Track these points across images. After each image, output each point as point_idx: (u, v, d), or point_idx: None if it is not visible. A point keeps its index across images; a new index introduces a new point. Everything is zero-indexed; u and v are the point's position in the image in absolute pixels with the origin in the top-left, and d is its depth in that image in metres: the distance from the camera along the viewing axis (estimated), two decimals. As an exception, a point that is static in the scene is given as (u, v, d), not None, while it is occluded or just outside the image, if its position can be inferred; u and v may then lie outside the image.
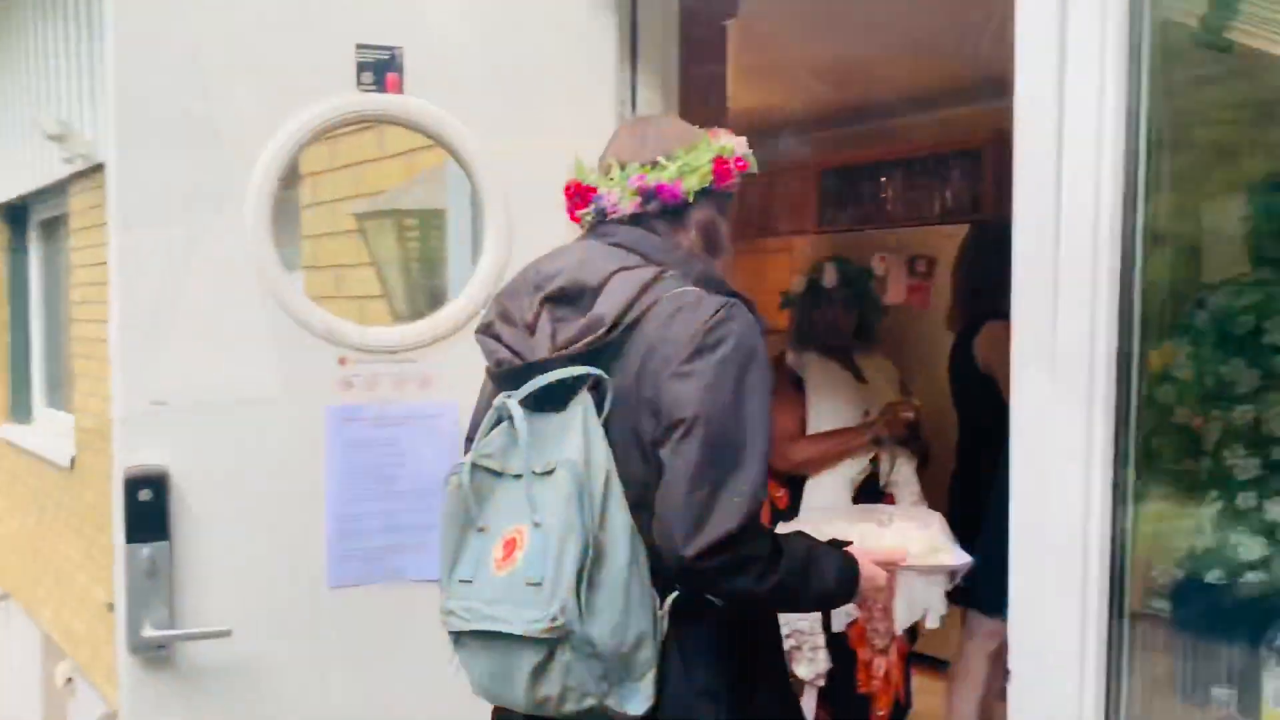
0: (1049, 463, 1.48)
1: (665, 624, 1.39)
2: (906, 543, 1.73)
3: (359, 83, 1.90)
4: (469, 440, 1.58)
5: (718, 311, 1.38)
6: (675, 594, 1.39)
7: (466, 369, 1.97)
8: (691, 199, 1.50)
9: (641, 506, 1.37)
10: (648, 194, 1.50)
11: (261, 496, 1.86)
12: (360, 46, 1.90)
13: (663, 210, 1.51)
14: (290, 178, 1.94)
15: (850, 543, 1.57)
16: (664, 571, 1.37)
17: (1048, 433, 1.47)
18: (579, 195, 1.56)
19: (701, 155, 1.51)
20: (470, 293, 1.99)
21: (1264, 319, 2.02)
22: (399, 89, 1.93)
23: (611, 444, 1.37)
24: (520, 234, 2.01)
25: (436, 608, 1.96)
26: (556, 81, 2.06)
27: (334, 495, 1.90)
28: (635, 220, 1.51)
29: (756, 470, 1.35)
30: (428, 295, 2.38)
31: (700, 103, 2.33)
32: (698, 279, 1.46)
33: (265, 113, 1.84)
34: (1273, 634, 1.49)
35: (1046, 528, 1.49)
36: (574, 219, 1.60)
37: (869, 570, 1.53)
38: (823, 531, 1.58)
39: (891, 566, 1.60)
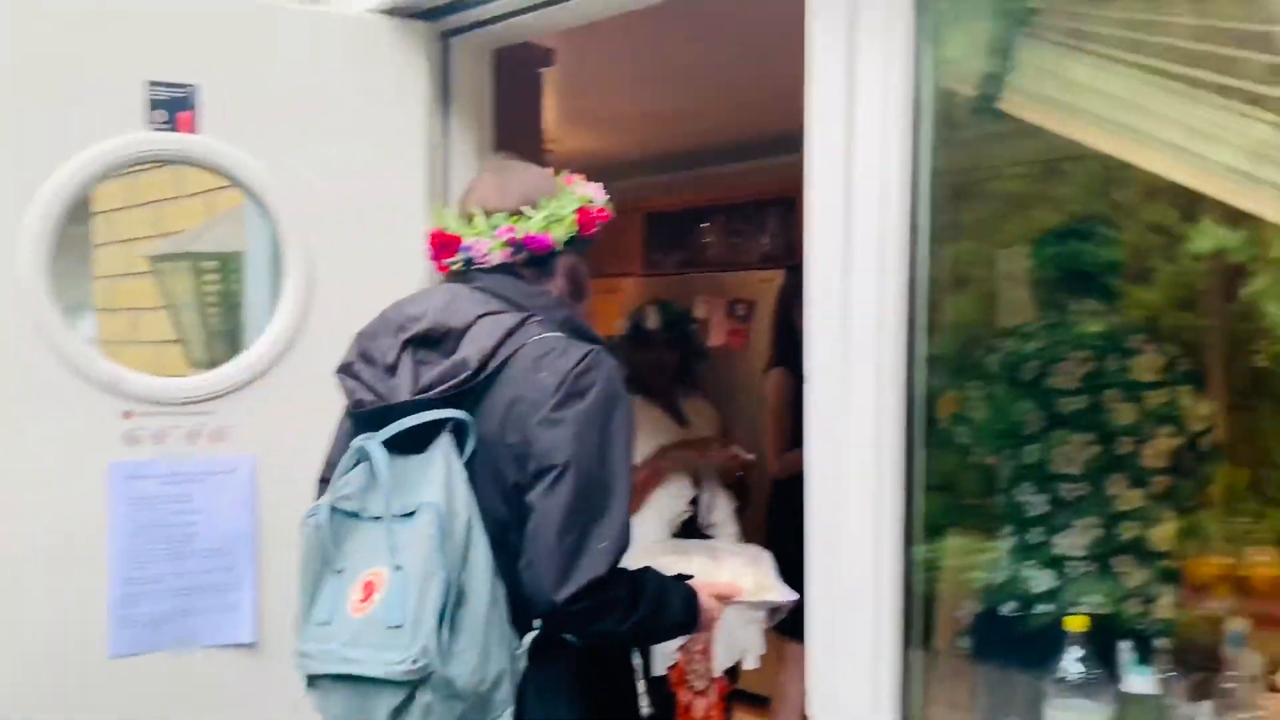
0: (842, 504, 1.53)
1: (524, 662, 1.40)
2: (739, 579, 1.78)
3: (150, 121, 1.81)
4: (323, 481, 1.55)
5: (583, 359, 1.41)
6: (534, 633, 1.40)
7: (265, 419, 1.90)
8: (559, 248, 1.53)
9: (501, 548, 1.38)
10: (517, 246, 1.51)
11: (34, 561, 1.72)
12: (152, 84, 1.82)
13: (530, 259, 1.53)
14: (81, 215, 1.82)
15: (691, 576, 1.61)
16: (532, 611, 1.39)
17: (840, 474, 1.53)
18: (445, 245, 1.56)
19: (566, 205, 1.54)
20: (269, 339, 1.91)
21: (1049, 363, 2.14)
22: (193, 128, 1.84)
23: (473, 486, 1.38)
24: (324, 278, 1.94)
25: (232, 675, 1.87)
26: (365, 123, 2.01)
27: (118, 558, 1.78)
28: (503, 269, 1.53)
29: (621, 515, 1.38)
30: (226, 341, 2.28)
31: (517, 147, 2.32)
32: (562, 325, 1.48)
33: (45, 150, 1.73)
34: (1054, 665, 1.56)
35: (841, 567, 1.54)
36: (441, 269, 1.59)
37: (708, 603, 1.58)
38: (660, 564, 1.61)
39: (727, 600, 1.66)
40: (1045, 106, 1.48)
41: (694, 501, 2.94)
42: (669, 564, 1.71)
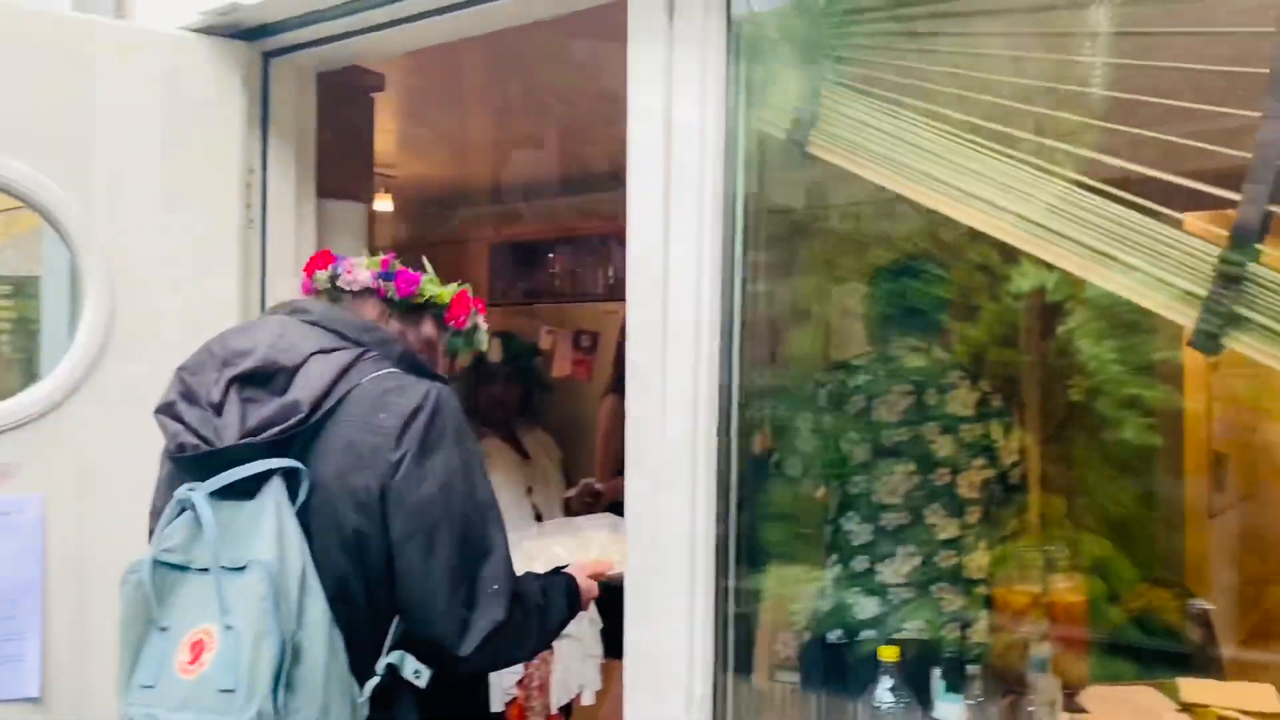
0: (659, 527, 1.54)
1: (366, 710, 1.35)
2: (606, 552, 1.80)
3: (-72, 134, 1.69)
4: (154, 531, 1.44)
5: (424, 399, 1.36)
6: (376, 679, 1.35)
7: (57, 456, 1.78)
8: (423, 300, 1.51)
9: (341, 599, 1.32)
10: (388, 270, 1.49)
11: None
12: (-69, 95, 1.69)
13: (396, 298, 1.50)
14: None
15: (566, 565, 1.62)
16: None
17: (657, 500, 1.54)
18: (320, 259, 1.53)
19: (451, 287, 1.54)
20: (63, 371, 1.79)
21: (873, 397, 2.20)
22: (-20, 144, 1.72)
23: (308, 534, 1.31)
24: (127, 306, 1.84)
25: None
26: (175, 143, 1.92)
27: (-120, 608, 1.62)
28: (365, 294, 1.49)
29: (503, 548, 1.38)
30: (20, 372, 2.11)
31: (342, 169, 2.26)
32: (399, 360, 1.43)
33: None
34: (869, 691, 1.59)
35: (659, 589, 1.55)
36: (307, 274, 1.55)
37: (585, 584, 1.60)
38: (524, 551, 1.62)
39: (600, 576, 1.67)
40: (853, 153, 1.52)
41: (534, 535, 2.93)
42: (532, 550, 1.76)
